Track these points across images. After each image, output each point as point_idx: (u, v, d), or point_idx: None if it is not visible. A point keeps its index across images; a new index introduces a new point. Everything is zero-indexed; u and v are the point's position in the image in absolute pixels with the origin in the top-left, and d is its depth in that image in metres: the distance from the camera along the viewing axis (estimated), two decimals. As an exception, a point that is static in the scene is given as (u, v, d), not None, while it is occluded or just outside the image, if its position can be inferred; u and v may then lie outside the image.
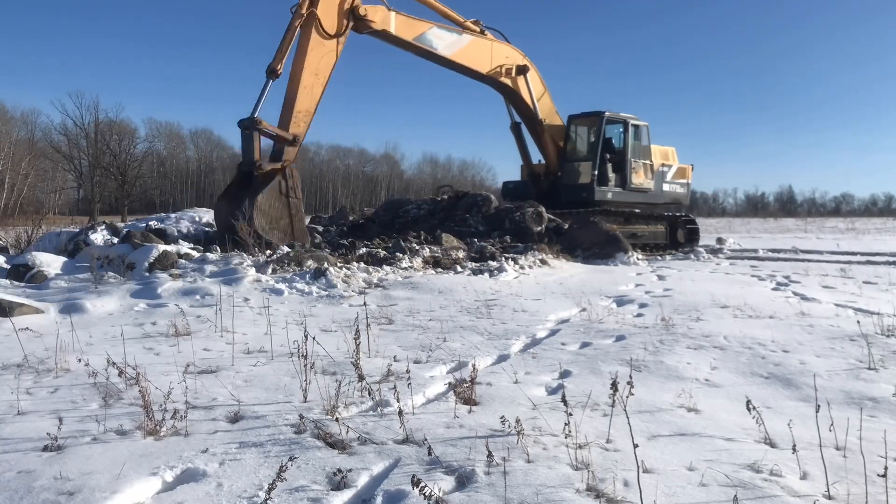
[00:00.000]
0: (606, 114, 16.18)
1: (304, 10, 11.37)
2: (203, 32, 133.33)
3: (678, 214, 17.21)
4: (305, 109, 11.48)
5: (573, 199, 15.42)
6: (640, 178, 16.24)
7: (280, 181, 10.71)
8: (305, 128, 11.53)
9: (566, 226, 14.02)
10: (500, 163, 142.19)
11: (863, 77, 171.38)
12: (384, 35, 13.15)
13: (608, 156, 16.23)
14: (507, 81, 15.62)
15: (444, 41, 14.22)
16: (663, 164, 17.10)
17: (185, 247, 9.70)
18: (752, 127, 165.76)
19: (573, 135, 16.90)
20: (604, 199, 15.69)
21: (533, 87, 15.98)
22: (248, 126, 10.52)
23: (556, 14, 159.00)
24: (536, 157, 17.24)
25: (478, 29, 15.33)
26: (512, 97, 16.23)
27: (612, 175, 16.01)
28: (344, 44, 12.31)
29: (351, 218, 16.24)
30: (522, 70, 15.74)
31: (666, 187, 17.29)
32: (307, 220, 15.43)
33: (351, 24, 12.30)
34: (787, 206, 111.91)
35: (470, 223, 13.71)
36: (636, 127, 16.40)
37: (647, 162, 16.49)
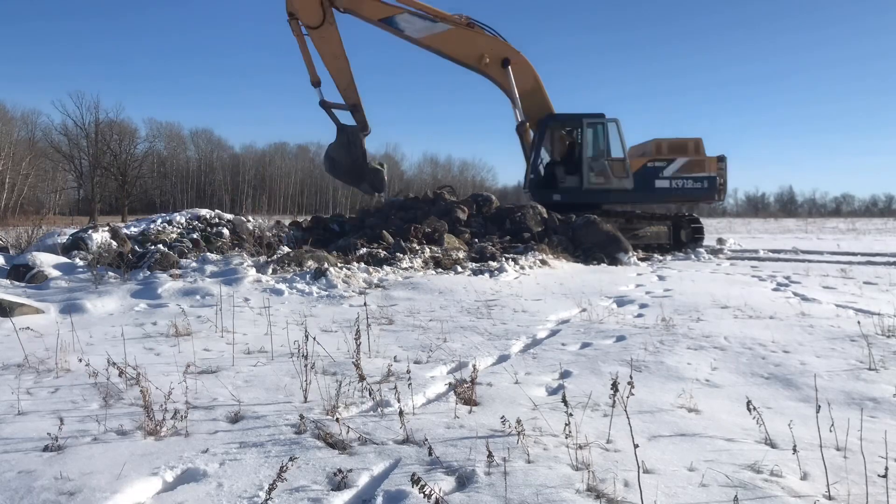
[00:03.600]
0: (549, 115, 16.31)
1: (293, 27, 14.96)
2: (203, 32, 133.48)
3: (681, 214, 17.04)
4: (346, 83, 15.54)
5: (538, 201, 15.43)
6: (601, 178, 16.02)
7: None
8: (356, 96, 15.68)
9: (564, 225, 13.99)
10: (501, 163, 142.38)
11: (863, 77, 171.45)
12: (356, 14, 15.50)
13: (558, 158, 16.31)
14: (490, 71, 16.10)
15: (413, 26, 15.75)
16: (655, 160, 16.32)
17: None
18: (753, 127, 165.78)
19: (533, 138, 16.92)
20: (548, 200, 15.61)
21: (518, 81, 16.08)
22: (322, 106, 15.87)
23: (556, 14, 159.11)
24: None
25: (464, 22, 15.93)
26: (501, 89, 16.49)
27: (565, 177, 16.01)
28: (334, 23, 15.10)
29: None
30: (505, 62, 15.93)
31: (663, 184, 16.38)
32: (307, 219, 16.00)
33: (329, 7, 14.96)
34: (787, 206, 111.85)
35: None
36: (599, 125, 16.11)
37: (617, 159, 16.06)
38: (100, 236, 10.37)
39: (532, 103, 16.40)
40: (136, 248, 10.24)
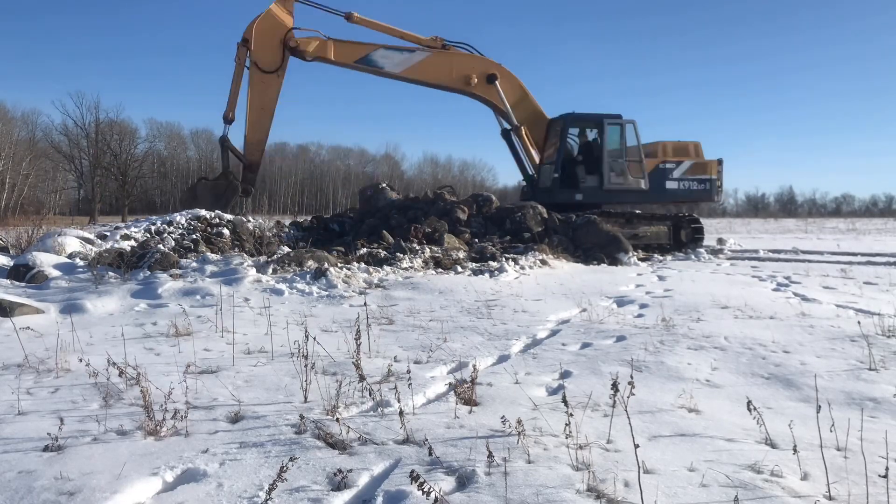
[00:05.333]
0: (570, 115, 16.23)
1: (240, 54, 13.95)
2: (203, 32, 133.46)
3: (681, 214, 17.07)
4: (258, 140, 14.56)
5: (546, 202, 15.37)
6: (620, 178, 16.08)
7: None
8: (260, 156, 14.82)
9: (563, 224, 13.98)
10: (501, 163, 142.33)
11: (863, 77, 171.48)
12: (326, 60, 14.71)
13: (579, 157, 16.21)
14: (478, 91, 15.89)
15: (391, 60, 15.23)
16: (665, 161, 16.61)
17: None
18: (753, 127, 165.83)
19: (549, 138, 16.86)
20: (570, 201, 15.61)
21: (507, 93, 16.07)
22: (221, 143, 14.64)
23: (557, 14, 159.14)
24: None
25: (438, 45, 15.60)
26: (491, 106, 16.38)
27: (586, 176, 15.96)
28: (283, 75, 14.44)
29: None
30: (491, 78, 15.84)
31: (672, 185, 16.68)
32: (308, 219, 15.98)
33: (288, 56, 14.23)
34: (787, 206, 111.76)
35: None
36: (617, 126, 16.15)
37: (634, 160, 16.23)
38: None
39: (522, 110, 16.42)
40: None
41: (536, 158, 16.72)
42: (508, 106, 16.10)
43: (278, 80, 14.38)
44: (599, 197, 15.97)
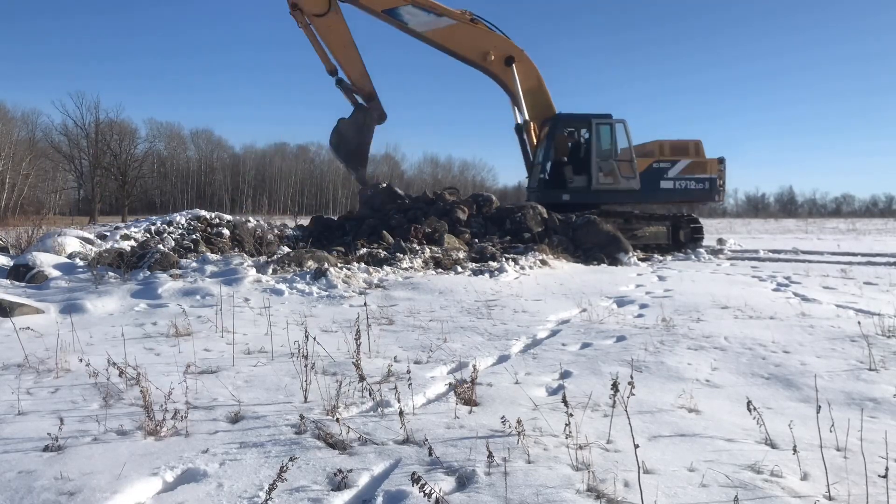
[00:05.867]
0: (559, 115, 16.27)
1: (297, 18, 14.58)
2: (204, 32, 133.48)
3: (680, 214, 17.05)
4: (359, 72, 15.37)
5: (539, 201, 15.35)
6: (609, 178, 16.05)
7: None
8: (370, 84, 15.52)
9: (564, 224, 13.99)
10: (501, 163, 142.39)
11: (864, 77, 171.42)
12: (358, 5, 15.11)
13: (565, 158, 16.23)
14: (493, 69, 16.02)
15: (418, 18, 15.34)
16: (660, 160, 16.43)
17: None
18: (753, 127, 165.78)
19: (539, 138, 16.84)
20: (556, 201, 15.57)
21: (522, 79, 16.08)
22: (339, 86, 15.57)
23: (556, 13, 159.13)
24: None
25: (466, 18, 15.75)
26: (506, 90, 16.43)
27: (573, 177, 15.97)
28: (339, 11, 14.86)
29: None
30: (509, 60, 15.92)
31: (668, 185, 16.53)
32: (307, 220, 15.98)
33: None
34: (787, 206, 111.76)
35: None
36: (607, 126, 16.10)
37: (625, 160, 16.07)
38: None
39: (535, 103, 16.39)
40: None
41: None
42: (521, 92, 16.11)
43: (337, 15, 14.86)
44: (588, 197, 15.91)
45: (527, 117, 16.41)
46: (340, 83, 15.55)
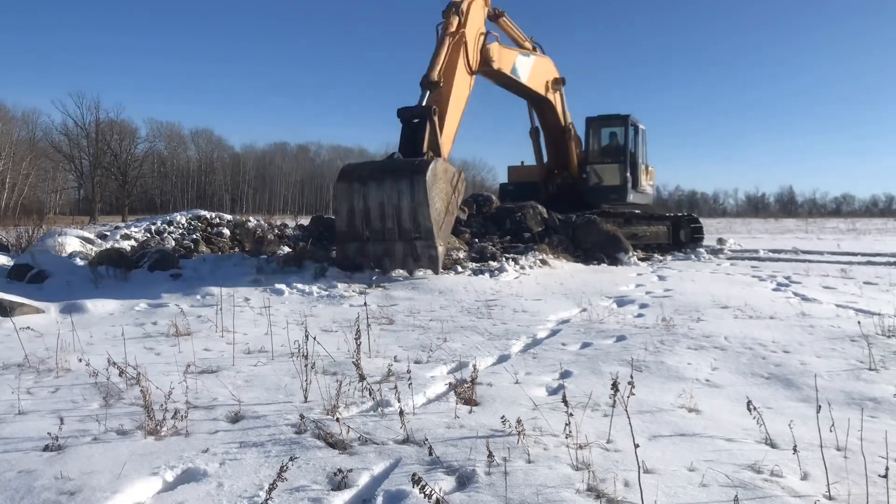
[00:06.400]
0: (631, 116, 16.30)
1: (453, 29, 10.68)
2: (204, 32, 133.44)
3: (680, 214, 17.11)
4: (449, 134, 10.84)
5: (602, 202, 15.36)
6: (646, 181, 16.35)
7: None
8: (450, 148, 10.87)
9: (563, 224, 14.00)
10: (501, 163, 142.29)
11: (864, 77, 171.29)
12: (493, 75, 12.24)
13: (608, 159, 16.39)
14: (549, 96, 15.13)
15: (524, 68, 13.22)
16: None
17: None
18: (754, 127, 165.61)
19: (592, 137, 16.83)
20: (634, 201, 15.88)
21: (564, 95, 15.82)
22: (421, 115, 10.01)
23: (556, 12, 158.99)
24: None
25: (530, 46, 14.58)
26: (545, 108, 15.78)
27: (631, 178, 16.25)
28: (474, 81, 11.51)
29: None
30: (560, 83, 15.55)
31: (649, 189, 17.53)
32: (307, 220, 15.87)
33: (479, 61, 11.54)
34: (787, 206, 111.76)
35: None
36: (643, 130, 16.47)
37: (650, 165, 16.60)
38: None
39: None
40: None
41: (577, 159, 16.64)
42: (566, 107, 15.86)
43: (471, 83, 11.49)
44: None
45: (567, 124, 16.02)
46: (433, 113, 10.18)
